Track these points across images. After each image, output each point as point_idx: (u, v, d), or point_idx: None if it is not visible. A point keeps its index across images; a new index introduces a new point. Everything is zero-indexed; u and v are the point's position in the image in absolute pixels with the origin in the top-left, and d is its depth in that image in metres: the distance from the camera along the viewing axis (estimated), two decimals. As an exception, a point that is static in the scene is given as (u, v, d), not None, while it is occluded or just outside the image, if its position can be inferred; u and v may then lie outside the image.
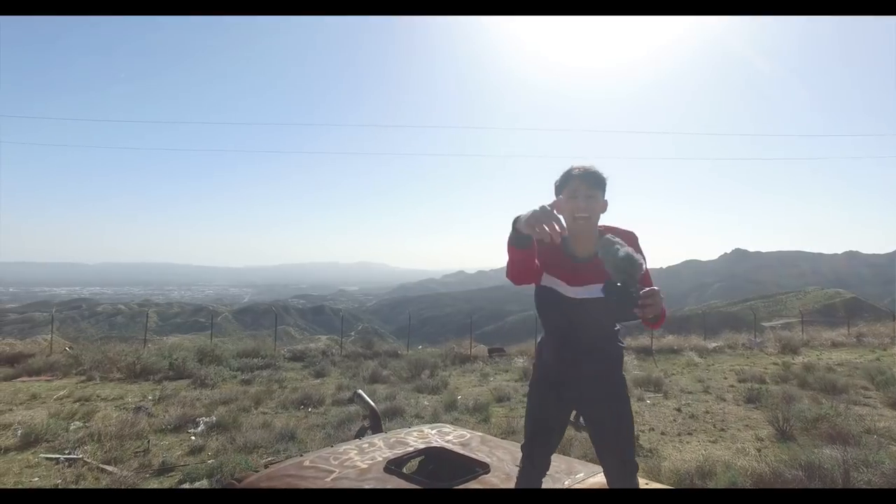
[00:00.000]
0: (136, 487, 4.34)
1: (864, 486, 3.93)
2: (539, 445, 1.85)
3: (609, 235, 1.56)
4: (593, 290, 1.68)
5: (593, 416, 1.83)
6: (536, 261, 1.72)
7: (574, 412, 1.90)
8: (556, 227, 1.50)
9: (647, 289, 1.50)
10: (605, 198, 1.77)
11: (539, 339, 1.93)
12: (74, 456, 5.06)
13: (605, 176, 1.76)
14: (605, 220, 1.82)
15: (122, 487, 4.29)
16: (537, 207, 1.52)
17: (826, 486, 4.02)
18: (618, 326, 1.83)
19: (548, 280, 1.79)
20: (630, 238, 1.74)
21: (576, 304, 1.74)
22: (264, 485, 1.81)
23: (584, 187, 1.70)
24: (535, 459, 1.85)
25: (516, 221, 1.57)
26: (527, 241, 1.58)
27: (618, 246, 1.50)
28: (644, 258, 1.69)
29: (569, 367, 1.79)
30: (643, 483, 2.04)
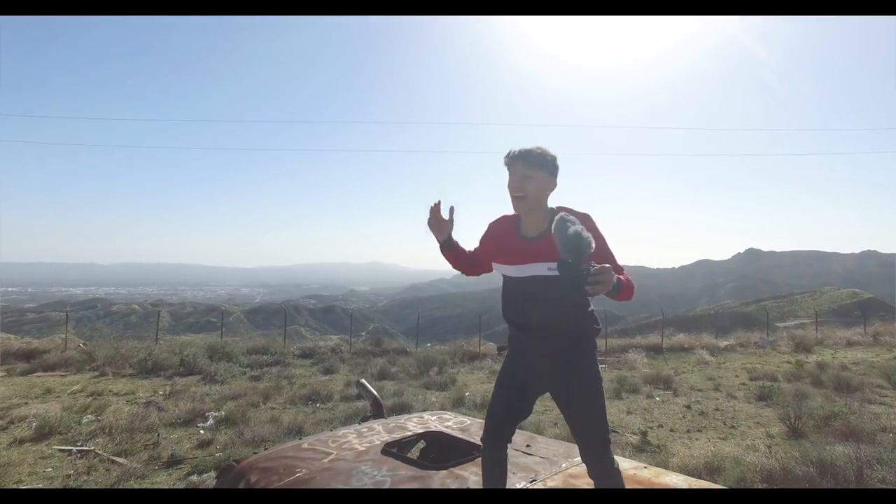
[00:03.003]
0: (134, 487, 4.36)
1: (878, 484, 3.85)
2: (496, 419, 1.83)
3: (563, 214, 1.59)
4: (538, 268, 1.73)
5: (560, 395, 1.80)
6: (470, 252, 1.99)
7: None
8: (436, 216, 1.86)
9: (598, 266, 1.52)
10: (555, 178, 1.81)
11: None
12: (86, 448, 5.14)
13: (546, 155, 1.78)
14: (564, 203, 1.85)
15: (122, 487, 4.31)
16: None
17: (838, 483, 3.95)
18: (591, 307, 1.81)
19: (497, 267, 1.90)
20: (583, 219, 1.75)
21: (520, 283, 1.79)
22: (262, 465, 1.82)
23: (519, 167, 1.78)
24: (488, 434, 1.81)
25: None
26: (447, 245, 1.94)
27: (568, 224, 1.53)
28: (600, 237, 1.74)
29: (525, 347, 1.83)
30: (654, 472, 2.00)
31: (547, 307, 1.73)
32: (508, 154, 1.81)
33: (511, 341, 1.89)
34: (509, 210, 1.88)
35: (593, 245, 1.54)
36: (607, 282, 1.52)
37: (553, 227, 1.56)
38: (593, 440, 1.71)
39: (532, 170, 1.77)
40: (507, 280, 1.85)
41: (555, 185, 1.82)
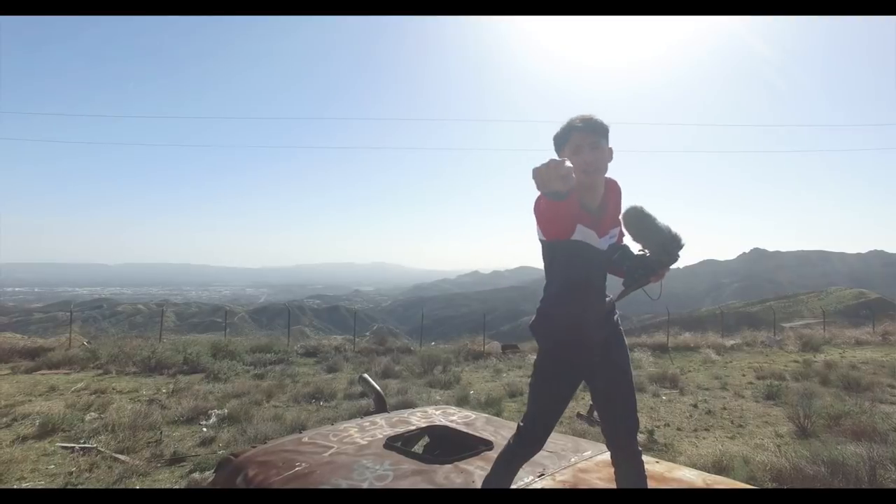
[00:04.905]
0: (133, 487, 4.32)
1: (892, 484, 3.78)
2: (549, 422, 1.70)
3: (641, 207, 1.47)
4: (607, 241, 1.64)
5: (597, 379, 1.72)
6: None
7: (584, 409, 1.80)
8: (571, 173, 1.34)
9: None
10: (610, 146, 1.67)
11: (542, 306, 1.74)
12: (89, 445, 5.12)
13: (605, 123, 1.65)
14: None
15: (121, 487, 4.27)
16: (545, 163, 1.36)
17: (850, 483, 3.87)
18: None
19: (581, 233, 1.61)
20: (616, 189, 1.69)
21: (601, 255, 1.63)
22: (260, 459, 1.77)
23: (589, 138, 1.60)
24: (536, 437, 1.68)
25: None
26: (564, 195, 1.43)
27: (658, 221, 1.45)
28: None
29: (591, 329, 1.67)
30: (666, 467, 1.94)
31: (603, 283, 1.67)
32: (572, 124, 1.63)
33: (560, 328, 1.69)
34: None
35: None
36: (667, 270, 1.49)
37: (635, 221, 1.45)
38: (628, 425, 1.65)
39: (601, 140, 1.62)
40: (591, 251, 1.61)
41: (612, 153, 1.68)
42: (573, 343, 1.67)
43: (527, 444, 1.68)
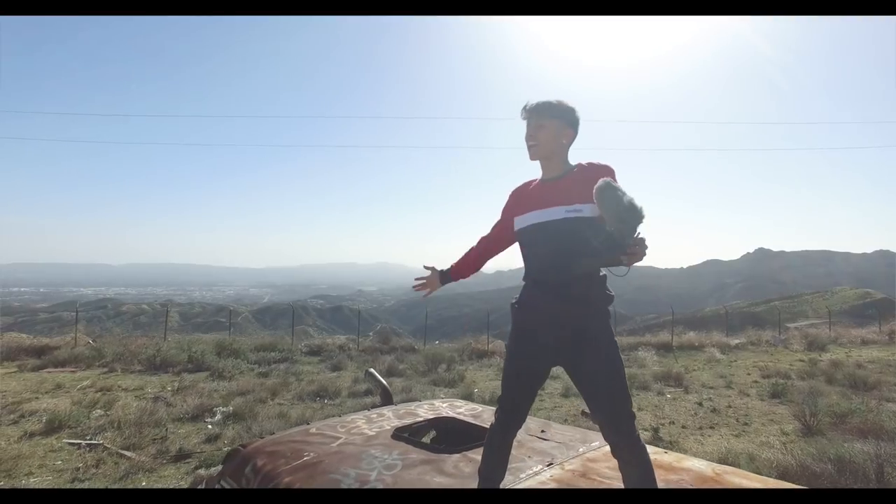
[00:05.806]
0: (139, 487, 4.33)
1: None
2: (513, 398, 1.70)
3: (609, 179, 1.49)
4: (558, 212, 1.67)
5: (575, 368, 1.65)
6: (478, 245, 2.02)
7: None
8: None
9: (638, 237, 1.43)
10: (572, 129, 1.78)
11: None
12: (95, 442, 5.14)
13: (561, 105, 1.76)
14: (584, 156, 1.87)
15: (124, 488, 4.27)
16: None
17: (857, 480, 3.85)
18: (603, 272, 1.65)
19: (517, 221, 1.80)
20: (608, 173, 1.68)
21: (541, 229, 1.70)
22: (269, 449, 1.78)
23: (534, 117, 1.78)
24: (504, 412, 1.69)
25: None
26: (447, 278, 2.13)
27: (621, 192, 1.43)
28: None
29: (537, 313, 1.67)
30: (675, 457, 1.92)
31: (567, 258, 1.60)
32: (524, 107, 1.80)
33: (521, 306, 1.72)
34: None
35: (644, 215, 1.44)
36: (643, 252, 1.44)
37: (599, 192, 1.45)
38: (617, 416, 1.56)
39: (546, 119, 1.76)
40: (531, 229, 1.73)
41: (572, 134, 1.78)
42: (520, 319, 1.73)
43: (498, 417, 1.70)
